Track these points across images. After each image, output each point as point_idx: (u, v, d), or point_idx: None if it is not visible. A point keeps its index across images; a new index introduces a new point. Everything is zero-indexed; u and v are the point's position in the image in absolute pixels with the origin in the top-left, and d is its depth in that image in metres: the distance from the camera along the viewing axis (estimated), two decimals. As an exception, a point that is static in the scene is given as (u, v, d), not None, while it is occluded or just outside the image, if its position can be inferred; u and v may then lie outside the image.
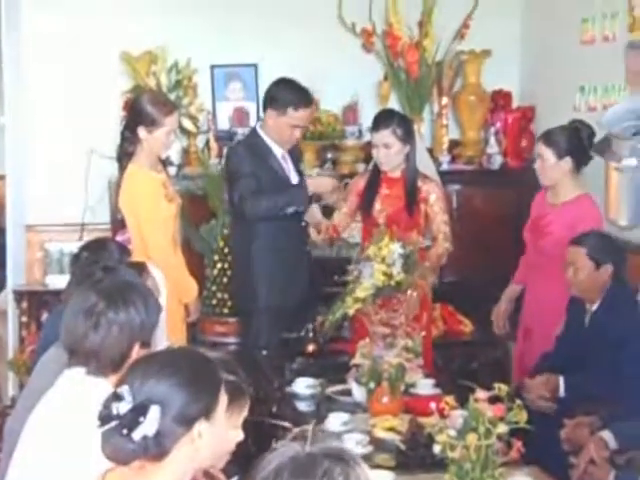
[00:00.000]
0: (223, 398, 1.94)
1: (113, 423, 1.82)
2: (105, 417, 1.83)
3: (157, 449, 1.84)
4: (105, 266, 2.52)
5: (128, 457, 1.83)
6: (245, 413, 2.15)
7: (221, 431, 1.95)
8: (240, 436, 2.12)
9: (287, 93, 4.35)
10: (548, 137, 4.08)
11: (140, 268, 2.91)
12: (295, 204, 4.33)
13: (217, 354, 2.11)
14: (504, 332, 4.42)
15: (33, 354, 5.04)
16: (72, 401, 2.33)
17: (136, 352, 2.38)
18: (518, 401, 2.65)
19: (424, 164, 4.44)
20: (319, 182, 4.44)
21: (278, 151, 4.42)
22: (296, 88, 4.39)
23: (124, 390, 1.83)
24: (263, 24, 5.63)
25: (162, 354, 2.03)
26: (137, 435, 1.81)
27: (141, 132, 3.99)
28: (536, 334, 4.07)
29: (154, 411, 1.82)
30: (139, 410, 1.82)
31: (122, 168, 4.09)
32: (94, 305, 2.36)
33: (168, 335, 3.46)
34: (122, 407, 1.82)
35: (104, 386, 2.30)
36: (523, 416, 2.60)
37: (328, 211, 4.47)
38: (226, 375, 1.99)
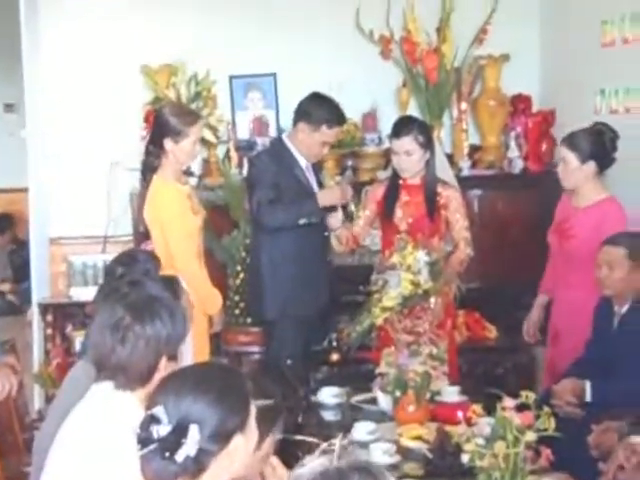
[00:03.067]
0: (252, 407, 1.94)
1: (153, 446, 1.81)
2: (145, 440, 1.82)
3: (196, 467, 1.84)
4: (131, 280, 2.53)
5: (170, 479, 1.83)
6: (277, 435, 2.15)
7: (252, 439, 1.94)
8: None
9: (322, 110, 4.35)
10: (571, 140, 4.05)
11: (173, 282, 2.92)
12: (307, 216, 4.33)
13: (250, 374, 2.11)
14: (534, 340, 4.40)
15: (58, 366, 5.08)
16: (100, 415, 2.33)
17: (163, 365, 2.39)
18: (546, 408, 2.63)
19: (442, 170, 4.43)
20: (328, 195, 4.39)
21: (303, 162, 4.44)
22: (331, 106, 4.39)
23: (159, 411, 1.82)
24: (281, 33, 5.65)
25: (192, 371, 2.02)
26: (180, 457, 1.81)
27: (167, 144, 4.01)
28: (565, 338, 4.05)
29: (194, 431, 1.82)
30: (179, 432, 1.81)
31: (147, 181, 4.11)
32: (121, 319, 2.37)
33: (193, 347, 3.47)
34: (162, 430, 1.81)
35: (132, 400, 2.31)
36: (551, 423, 2.59)
37: (347, 214, 4.45)
38: (262, 400, 1.98)
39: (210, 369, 2.04)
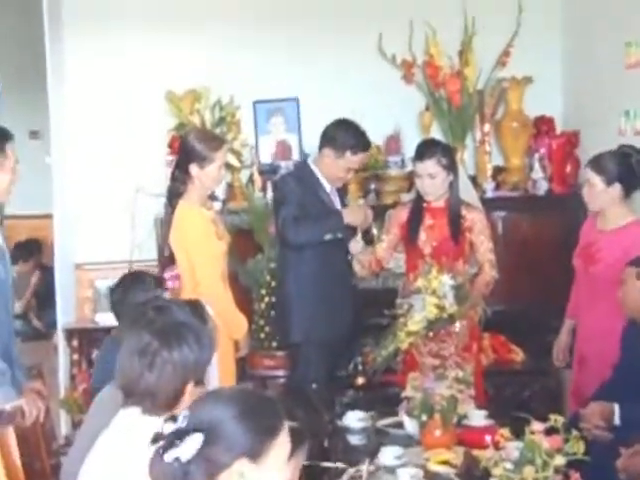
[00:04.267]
0: (280, 450, 1.89)
1: (159, 443, 1.82)
2: (154, 436, 1.84)
3: (186, 477, 1.81)
4: (157, 305, 2.54)
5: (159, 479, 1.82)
6: (302, 460, 2.13)
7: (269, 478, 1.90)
8: None
9: (347, 136, 4.37)
10: (596, 163, 4.03)
11: (197, 307, 2.93)
12: (332, 231, 4.33)
13: (277, 396, 2.09)
14: (564, 364, 4.38)
15: (85, 392, 5.09)
16: (128, 441, 2.33)
17: (189, 390, 2.39)
18: (575, 432, 2.61)
19: (466, 192, 4.42)
20: (353, 213, 4.41)
21: (327, 186, 4.45)
22: (357, 132, 4.41)
23: (182, 414, 1.84)
24: (303, 58, 5.69)
25: (231, 389, 2.03)
26: (169, 457, 1.80)
27: (193, 169, 4.04)
28: (591, 362, 4.02)
29: (195, 438, 1.80)
30: (180, 433, 1.81)
31: (172, 207, 4.13)
32: (148, 345, 2.37)
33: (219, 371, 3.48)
34: (168, 427, 1.82)
35: (159, 425, 2.31)
36: (580, 447, 2.57)
37: (369, 238, 4.45)
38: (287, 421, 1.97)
39: (246, 389, 2.04)
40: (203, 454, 1.81)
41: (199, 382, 2.42)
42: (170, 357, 2.35)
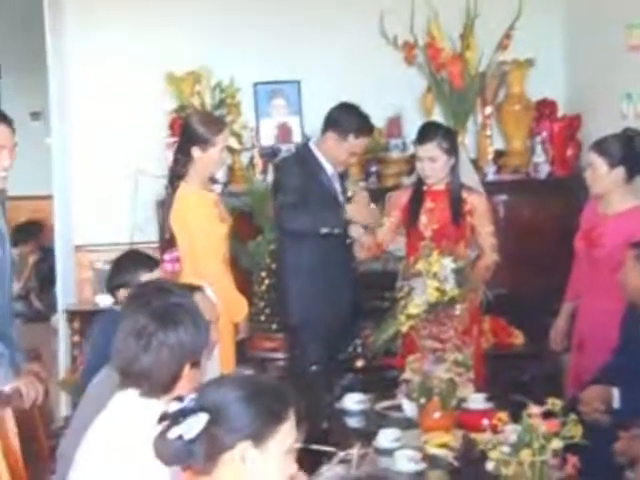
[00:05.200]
0: (283, 438, 1.91)
1: (165, 422, 1.83)
2: (161, 416, 1.85)
3: (190, 455, 1.83)
4: (157, 286, 2.53)
5: (169, 459, 1.83)
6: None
7: (271, 468, 1.91)
8: (293, 468, 2.05)
9: (350, 120, 4.36)
10: (600, 146, 4.01)
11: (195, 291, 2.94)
12: (329, 225, 4.31)
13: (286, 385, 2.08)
14: (561, 348, 4.37)
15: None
16: (125, 423, 2.33)
17: (186, 373, 2.38)
18: (572, 415, 2.61)
19: (467, 175, 4.41)
20: (358, 212, 4.35)
21: (329, 169, 4.44)
22: (359, 116, 4.39)
23: (189, 396, 1.85)
24: (304, 40, 5.66)
25: (244, 374, 2.06)
26: (172, 434, 1.81)
27: (195, 152, 4.04)
28: (590, 346, 4.01)
29: (200, 418, 1.81)
30: (184, 412, 1.83)
31: (173, 189, 4.13)
32: (144, 327, 2.37)
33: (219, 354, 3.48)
34: (173, 406, 1.83)
35: (157, 407, 2.31)
36: (578, 431, 2.57)
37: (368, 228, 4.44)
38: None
39: (258, 376, 2.08)
40: (207, 434, 1.83)
41: (196, 364, 2.42)
42: (166, 339, 2.35)
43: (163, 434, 1.83)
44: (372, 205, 4.44)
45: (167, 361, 2.35)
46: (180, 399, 1.86)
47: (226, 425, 1.84)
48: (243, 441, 1.86)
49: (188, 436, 1.81)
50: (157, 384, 2.36)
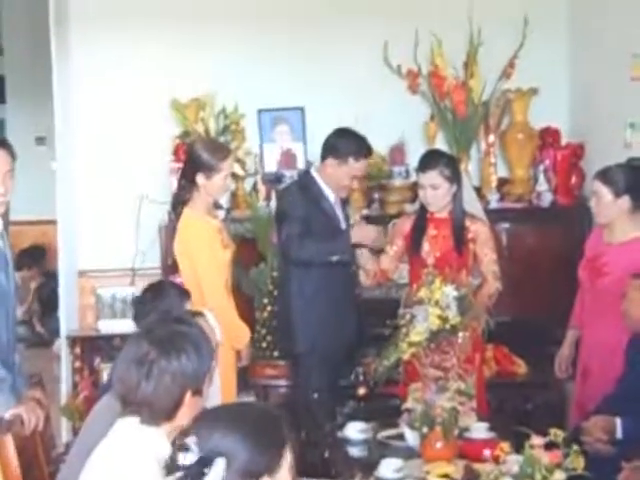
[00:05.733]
0: (288, 455, 1.93)
1: (178, 474, 1.82)
2: (171, 467, 1.84)
3: None
4: (163, 311, 2.52)
5: None
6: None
7: None
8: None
9: (348, 143, 4.38)
10: (605, 175, 4.01)
11: (196, 316, 2.92)
12: (339, 253, 4.33)
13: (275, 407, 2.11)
14: (567, 376, 4.36)
15: (86, 399, 5.08)
16: (126, 450, 2.32)
17: (188, 401, 2.38)
18: (575, 447, 2.60)
19: (471, 203, 4.41)
20: (363, 233, 4.39)
21: (331, 196, 4.45)
22: (357, 139, 4.41)
23: (191, 441, 1.84)
24: (309, 67, 5.70)
25: (230, 407, 2.06)
26: None
27: (200, 179, 4.05)
28: (595, 375, 4.00)
29: (220, 463, 1.83)
30: (205, 461, 1.83)
31: (177, 215, 4.13)
32: (146, 354, 2.36)
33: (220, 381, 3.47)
34: (189, 458, 1.83)
35: (158, 435, 2.30)
36: (580, 462, 2.56)
37: (374, 252, 4.45)
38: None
39: (248, 407, 2.07)
40: (229, 479, 1.83)
41: (198, 392, 2.41)
42: (168, 367, 2.34)
43: None
44: (378, 229, 4.46)
45: (168, 389, 2.34)
46: (185, 448, 1.85)
47: (242, 467, 1.85)
48: (262, 477, 1.88)
49: None
50: (158, 412, 2.35)
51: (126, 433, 2.38)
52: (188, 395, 2.37)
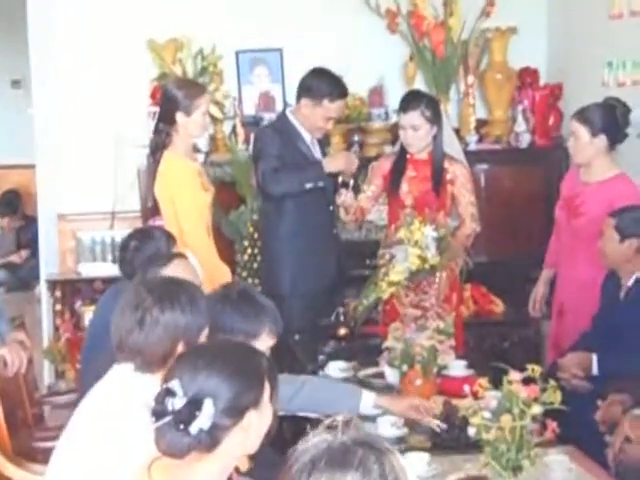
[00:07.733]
0: (267, 385, 1.96)
1: (167, 418, 1.84)
2: (159, 412, 1.85)
3: (210, 441, 1.87)
4: (150, 255, 2.50)
5: (183, 451, 1.86)
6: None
7: (266, 416, 1.97)
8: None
9: (323, 84, 4.35)
10: (582, 114, 4.02)
11: (177, 257, 2.92)
12: (312, 180, 4.33)
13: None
14: (540, 314, 4.41)
15: (68, 342, 5.11)
16: (120, 395, 2.34)
17: (179, 352, 2.36)
18: (552, 382, 2.64)
19: (450, 145, 4.42)
20: (333, 161, 4.40)
21: (307, 136, 4.44)
22: (332, 79, 4.39)
23: (175, 385, 1.86)
24: (287, 8, 5.63)
25: (208, 347, 2.08)
26: (194, 429, 1.84)
27: (180, 118, 4.02)
28: (570, 313, 4.06)
29: (208, 404, 1.84)
30: (194, 404, 1.84)
31: (155, 160, 4.11)
32: (142, 301, 2.36)
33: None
34: (177, 402, 1.84)
35: (151, 382, 2.28)
36: (557, 397, 2.60)
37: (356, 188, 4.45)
38: None
39: (226, 346, 2.08)
40: (217, 417, 1.86)
41: (191, 344, 2.39)
42: (160, 316, 2.34)
43: (179, 430, 1.83)
44: (350, 154, 4.47)
45: (160, 338, 2.34)
46: (171, 393, 1.86)
47: (229, 405, 1.87)
48: (248, 411, 1.90)
49: (206, 426, 1.85)
50: (149, 360, 2.35)
51: (120, 379, 2.40)
52: (180, 347, 2.36)
